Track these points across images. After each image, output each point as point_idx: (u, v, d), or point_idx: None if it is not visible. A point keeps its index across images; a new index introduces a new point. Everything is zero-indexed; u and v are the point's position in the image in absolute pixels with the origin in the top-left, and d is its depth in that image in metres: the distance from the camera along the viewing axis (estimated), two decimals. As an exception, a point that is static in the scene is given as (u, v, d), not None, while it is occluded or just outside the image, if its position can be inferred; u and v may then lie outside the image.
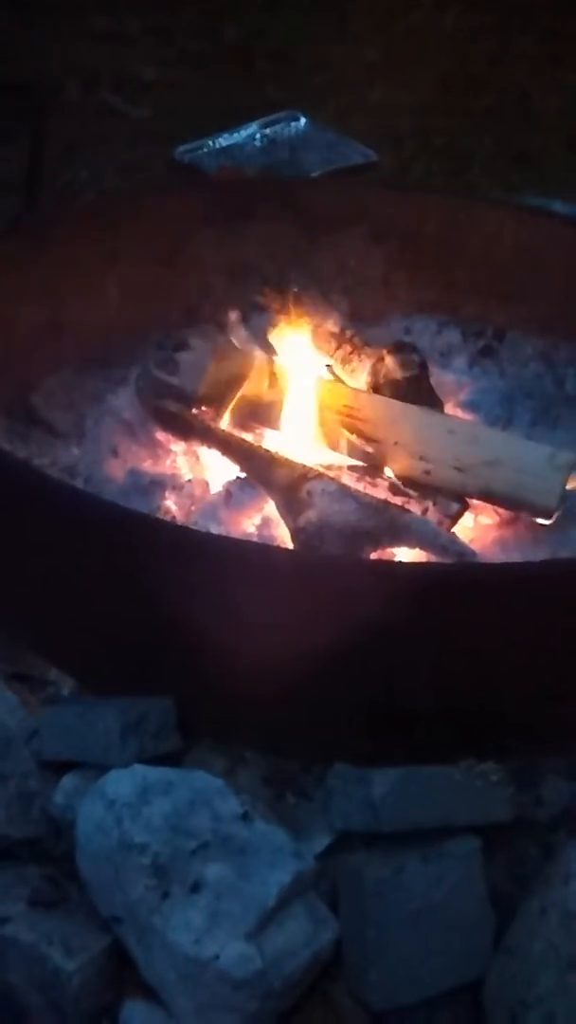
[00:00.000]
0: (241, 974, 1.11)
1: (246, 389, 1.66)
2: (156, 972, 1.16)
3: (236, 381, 1.68)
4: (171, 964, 1.13)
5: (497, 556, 1.50)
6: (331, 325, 1.77)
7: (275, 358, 1.70)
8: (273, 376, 1.67)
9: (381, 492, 1.54)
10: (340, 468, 1.58)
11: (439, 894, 1.19)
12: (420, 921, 1.18)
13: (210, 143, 3.08)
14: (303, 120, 3.19)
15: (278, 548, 1.42)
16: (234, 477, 1.55)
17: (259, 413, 1.65)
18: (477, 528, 1.56)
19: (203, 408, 1.67)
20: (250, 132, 3.14)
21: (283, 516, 1.48)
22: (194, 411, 1.66)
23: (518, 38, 3.82)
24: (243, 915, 1.13)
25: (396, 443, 1.58)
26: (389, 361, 1.69)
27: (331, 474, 1.53)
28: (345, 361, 1.74)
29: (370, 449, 1.59)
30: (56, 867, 1.28)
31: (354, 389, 1.67)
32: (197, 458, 1.63)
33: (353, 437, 1.60)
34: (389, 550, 1.44)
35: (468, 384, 1.84)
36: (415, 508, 1.52)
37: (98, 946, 1.20)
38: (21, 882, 1.27)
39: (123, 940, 1.19)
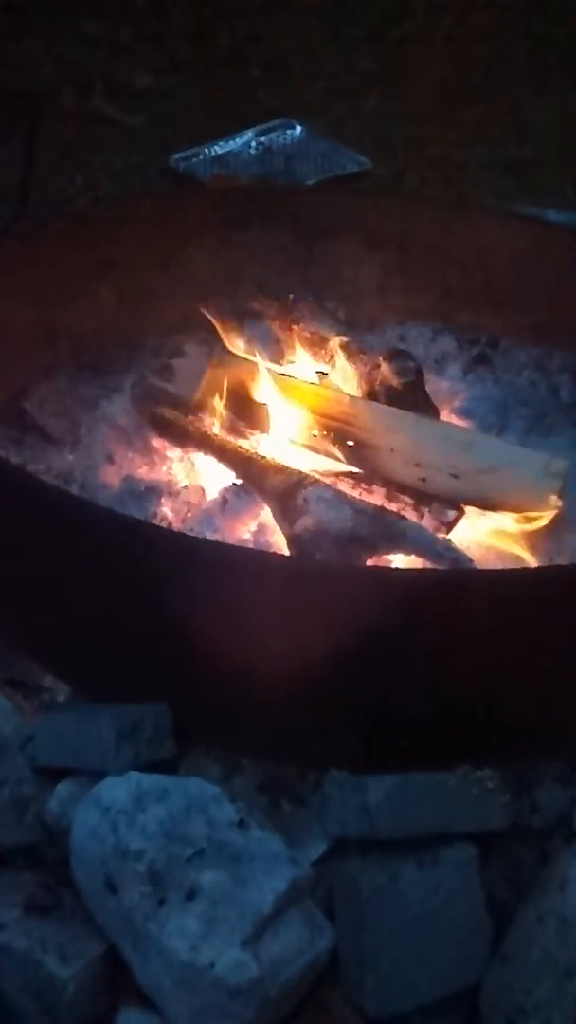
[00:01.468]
0: (237, 981, 1.11)
1: (242, 395, 1.66)
2: (151, 979, 1.16)
3: (231, 388, 1.68)
4: (167, 971, 1.13)
5: (492, 563, 1.50)
6: (326, 332, 1.77)
7: (271, 365, 1.71)
8: (269, 382, 1.67)
9: (377, 499, 1.54)
10: (336, 475, 1.58)
11: (435, 901, 1.19)
12: (416, 928, 1.18)
13: (205, 151, 3.09)
14: (298, 128, 3.20)
15: (274, 555, 1.42)
16: (230, 484, 1.55)
17: (255, 419, 1.65)
18: (472, 535, 1.56)
19: (199, 415, 1.67)
20: (245, 140, 3.14)
21: (279, 523, 1.48)
22: (190, 417, 1.66)
23: (511, 47, 3.84)
24: (239, 922, 1.13)
25: (392, 450, 1.58)
26: (385, 368, 1.69)
27: (327, 481, 1.53)
28: (340, 368, 1.74)
29: (366, 456, 1.60)
30: (51, 874, 1.28)
31: (350, 396, 1.67)
32: (193, 464, 1.63)
33: (349, 443, 1.60)
34: (385, 557, 1.44)
35: (463, 391, 1.85)
36: (411, 515, 1.52)
37: (93, 953, 1.20)
38: (15, 888, 1.26)
39: (118, 947, 1.18)
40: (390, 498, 1.55)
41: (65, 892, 1.25)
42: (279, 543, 1.47)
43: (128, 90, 3.47)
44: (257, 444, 1.63)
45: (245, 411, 1.66)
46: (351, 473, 1.60)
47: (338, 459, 1.62)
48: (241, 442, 1.63)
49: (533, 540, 1.54)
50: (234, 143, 3.13)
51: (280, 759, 1.36)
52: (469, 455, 1.55)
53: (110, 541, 1.28)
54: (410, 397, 1.68)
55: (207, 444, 1.61)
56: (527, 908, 1.22)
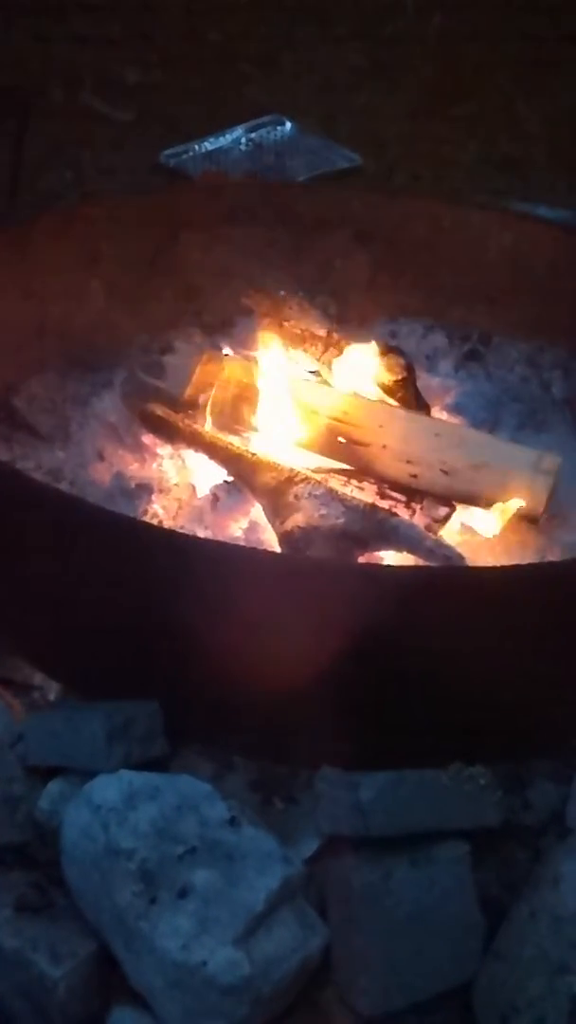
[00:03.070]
0: (229, 980, 1.10)
1: (233, 392, 1.65)
2: (144, 978, 1.15)
3: (221, 385, 1.67)
4: (159, 970, 1.13)
5: (484, 559, 1.50)
6: (317, 328, 1.77)
7: (261, 361, 1.70)
8: (259, 379, 1.67)
9: (368, 495, 1.54)
10: (327, 471, 1.58)
11: (428, 899, 1.19)
12: (409, 926, 1.18)
13: (195, 147, 3.08)
14: (288, 124, 3.20)
15: (265, 552, 1.41)
16: (221, 481, 1.55)
17: (245, 416, 1.65)
18: (464, 531, 1.56)
19: (189, 411, 1.66)
20: (235, 136, 3.14)
21: (270, 520, 1.48)
22: (180, 414, 1.65)
23: (502, 44, 3.83)
24: (231, 921, 1.13)
25: (383, 446, 1.58)
26: (376, 364, 1.68)
27: (318, 477, 1.52)
28: (331, 364, 1.73)
29: (357, 452, 1.59)
30: (42, 873, 1.27)
31: (341, 392, 1.67)
32: (183, 462, 1.62)
33: (340, 440, 1.60)
34: (376, 554, 1.43)
35: (454, 388, 1.84)
36: (402, 511, 1.51)
37: (85, 952, 1.19)
38: (6, 888, 1.25)
39: (110, 946, 1.18)
40: (381, 495, 1.55)
41: (56, 891, 1.25)
42: (270, 540, 1.46)
43: (118, 86, 3.46)
44: (248, 441, 1.63)
45: (236, 408, 1.66)
46: (342, 470, 1.59)
47: (329, 456, 1.61)
48: (232, 439, 1.62)
49: (525, 536, 1.54)
50: (224, 139, 3.12)
51: (272, 757, 1.35)
52: (460, 452, 1.55)
53: (100, 538, 1.27)
54: (401, 393, 1.67)
55: (198, 441, 1.61)
56: (520, 905, 1.22)
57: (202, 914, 1.13)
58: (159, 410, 1.65)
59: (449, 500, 1.55)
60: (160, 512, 1.52)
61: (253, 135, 3.15)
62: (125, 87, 3.47)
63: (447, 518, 1.53)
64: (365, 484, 1.56)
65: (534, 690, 1.29)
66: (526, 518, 1.53)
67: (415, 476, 1.55)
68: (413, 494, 1.55)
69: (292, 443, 1.62)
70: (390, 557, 1.43)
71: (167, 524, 1.49)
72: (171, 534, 1.37)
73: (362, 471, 1.59)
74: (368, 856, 1.20)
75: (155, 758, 1.30)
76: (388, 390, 1.67)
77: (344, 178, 3.02)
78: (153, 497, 1.54)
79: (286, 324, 1.81)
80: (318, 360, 1.74)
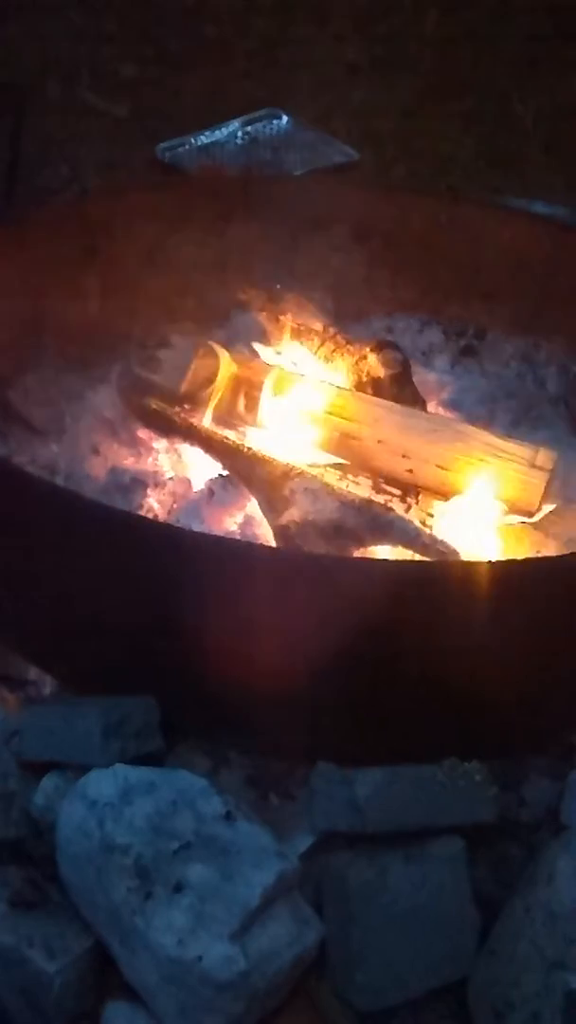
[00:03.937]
0: (225, 975, 1.10)
1: (229, 386, 1.65)
2: (139, 974, 1.15)
3: (218, 379, 1.67)
4: (154, 966, 1.12)
5: (479, 555, 1.49)
6: (313, 323, 1.77)
7: (258, 356, 1.70)
8: (255, 374, 1.66)
9: (364, 490, 1.53)
10: (323, 466, 1.58)
11: (423, 895, 1.19)
12: (405, 922, 1.18)
13: (191, 141, 3.07)
14: (285, 119, 3.19)
15: (260, 546, 1.41)
16: (216, 475, 1.54)
17: (241, 411, 1.65)
18: (459, 526, 1.56)
19: (185, 406, 1.66)
20: (231, 130, 3.12)
21: (265, 514, 1.47)
22: (176, 408, 1.65)
23: (498, 41, 3.83)
24: (226, 916, 1.12)
25: (379, 441, 1.57)
26: (372, 359, 1.68)
27: (313, 472, 1.52)
28: (327, 359, 1.73)
29: (353, 447, 1.59)
30: (37, 868, 1.27)
31: (337, 387, 1.66)
32: (179, 456, 1.62)
33: (336, 435, 1.60)
34: (372, 548, 1.43)
35: (450, 383, 1.84)
36: (398, 506, 1.51)
37: (80, 948, 1.19)
38: (1, 884, 1.25)
39: (105, 941, 1.18)
40: (377, 489, 1.54)
41: (51, 887, 1.24)
42: (266, 535, 1.46)
43: (114, 80, 3.45)
44: (244, 435, 1.63)
45: (233, 403, 1.66)
46: (338, 464, 1.59)
47: (325, 450, 1.61)
48: (228, 433, 1.62)
49: (520, 532, 1.54)
50: (220, 133, 3.11)
51: (268, 753, 1.35)
52: (456, 447, 1.55)
53: (95, 533, 1.27)
54: (397, 389, 1.67)
55: (193, 435, 1.61)
56: (515, 901, 1.22)
57: (197, 909, 1.13)
58: (155, 404, 1.65)
59: (445, 495, 1.55)
60: (155, 506, 1.51)
61: (249, 129, 3.14)
62: (121, 82, 3.46)
63: (443, 513, 1.53)
64: (361, 479, 1.56)
65: (529, 685, 1.29)
66: (522, 513, 1.53)
67: (411, 471, 1.55)
68: (409, 489, 1.54)
69: (288, 437, 1.62)
70: (386, 552, 1.43)
71: (162, 518, 1.49)
72: (166, 528, 1.37)
73: (358, 466, 1.58)
74: (363, 852, 1.20)
75: (151, 753, 1.29)
76: (384, 385, 1.67)
77: (340, 173, 3.02)
78: (148, 491, 1.53)
79: (282, 319, 1.81)
80: (314, 354, 1.73)
